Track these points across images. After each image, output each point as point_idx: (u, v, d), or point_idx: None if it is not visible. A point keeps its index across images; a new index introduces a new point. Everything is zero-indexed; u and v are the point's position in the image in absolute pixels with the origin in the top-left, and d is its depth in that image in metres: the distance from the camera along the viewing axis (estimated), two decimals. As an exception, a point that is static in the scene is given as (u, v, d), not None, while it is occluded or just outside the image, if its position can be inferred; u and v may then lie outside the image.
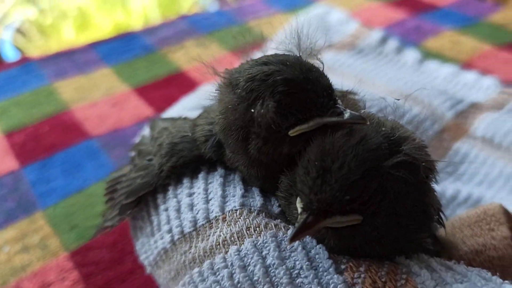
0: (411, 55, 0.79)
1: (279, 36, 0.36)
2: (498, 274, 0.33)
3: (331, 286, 0.27)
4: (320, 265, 0.28)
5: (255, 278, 0.28)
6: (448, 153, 0.62)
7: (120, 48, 0.92)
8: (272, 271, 0.28)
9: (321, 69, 0.32)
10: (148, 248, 0.35)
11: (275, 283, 0.28)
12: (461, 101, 0.67)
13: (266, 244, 0.29)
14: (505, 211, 0.37)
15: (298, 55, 0.33)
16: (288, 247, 0.29)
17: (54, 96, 0.79)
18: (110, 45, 0.93)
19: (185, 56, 0.89)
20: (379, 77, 0.71)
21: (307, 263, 0.28)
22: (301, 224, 0.27)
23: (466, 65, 0.81)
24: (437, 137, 0.64)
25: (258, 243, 0.29)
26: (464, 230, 0.37)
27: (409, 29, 0.97)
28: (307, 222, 0.27)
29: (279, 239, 0.29)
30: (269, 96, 0.30)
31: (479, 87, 0.72)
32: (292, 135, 0.30)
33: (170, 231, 0.33)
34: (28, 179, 0.63)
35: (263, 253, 0.29)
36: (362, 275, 0.28)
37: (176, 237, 0.33)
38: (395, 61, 0.79)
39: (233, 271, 0.29)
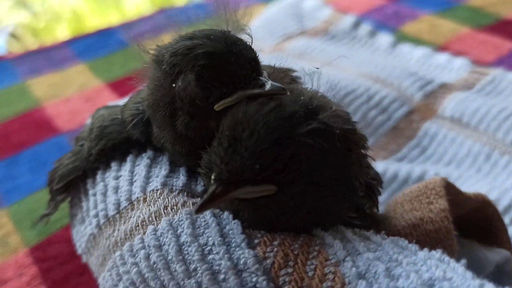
0: (385, 39, 0.78)
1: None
2: (436, 248, 0.33)
3: (242, 261, 0.27)
4: (232, 241, 0.28)
5: (169, 257, 0.28)
6: (417, 134, 0.61)
7: (96, 44, 0.91)
8: (185, 249, 0.28)
9: (248, 43, 0.31)
10: (80, 235, 0.35)
11: (188, 261, 0.27)
12: (431, 82, 0.66)
13: (181, 222, 0.28)
14: (447, 184, 0.36)
15: (225, 29, 0.32)
16: (203, 224, 0.28)
17: (26, 94, 0.78)
18: (86, 41, 0.93)
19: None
20: (350, 61, 0.70)
21: (219, 239, 0.27)
22: (208, 195, 0.26)
23: (442, 48, 0.80)
24: (406, 118, 0.63)
25: (174, 222, 0.29)
26: (405, 205, 0.36)
27: (388, 14, 0.95)
28: (215, 193, 0.26)
29: (195, 217, 0.29)
30: (190, 70, 0.29)
31: (451, 68, 0.71)
32: (217, 109, 0.30)
33: (96, 215, 0.33)
34: (-1, 175, 0.63)
35: (178, 231, 0.28)
36: (275, 249, 0.27)
37: (101, 222, 0.32)
38: (368, 45, 0.78)
39: (150, 252, 0.28)
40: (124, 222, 0.31)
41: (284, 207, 0.28)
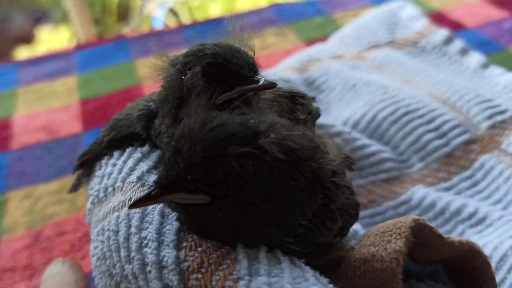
0: (476, 58, 0.74)
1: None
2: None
3: (165, 258, 0.30)
4: (165, 240, 0.31)
5: (119, 242, 0.32)
6: (472, 166, 0.58)
7: (203, 32, 0.98)
8: (131, 238, 0.32)
9: (251, 54, 0.37)
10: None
11: (130, 249, 0.32)
12: (504, 112, 0.61)
13: (135, 215, 0.33)
14: (419, 226, 0.35)
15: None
16: (149, 219, 0.32)
17: (132, 72, 0.88)
18: (196, 28, 1.00)
19: (260, 44, 0.93)
20: (426, 79, 0.68)
21: (155, 235, 0.31)
22: (144, 195, 0.30)
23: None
24: (465, 146, 0.60)
25: (130, 213, 0.33)
26: (370, 238, 0.36)
27: (504, 29, 0.89)
28: (151, 194, 0.30)
29: (146, 212, 0.33)
30: (197, 65, 0.36)
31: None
32: (218, 103, 0.35)
33: (92, 194, 0.39)
34: (85, 142, 0.73)
35: (131, 222, 0.33)
36: (196, 255, 0.30)
37: (95, 200, 0.38)
38: (457, 63, 0.74)
39: (110, 235, 0.33)
40: (106, 205, 0.36)
41: (214, 217, 0.31)
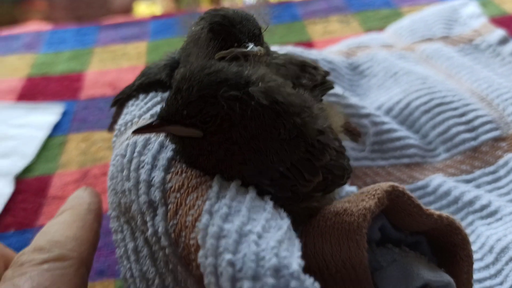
0: (529, 60, 0.72)
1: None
2: (343, 239, 0.36)
3: (154, 178, 0.36)
4: (158, 164, 0.37)
5: (124, 164, 0.38)
6: (497, 162, 0.59)
7: (274, 12, 1.03)
8: (132, 160, 0.38)
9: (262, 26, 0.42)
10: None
11: (130, 170, 0.37)
12: (539, 114, 0.61)
13: (139, 142, 0.38)
14: (396, 192, 0.38)
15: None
16: (150, 147, 0.38)
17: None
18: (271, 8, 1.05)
19: (322, 30, 0.96)
20: (470, 76, 0.68)
21: (151, 160, 0.37)
22: (147, 124, 0.35)
23: None
24: (492, 143, 0.60)
25: (136, 140, 0.39)
26: (349, 197, 0.39)
27: None
28: (152, 123, 0.35)
29: (148, 142, 0.38)
30: (208, 21, 0.41)
31: None
32: (216, 58, 0.40)
33: (116, 129, 0.45)
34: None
35: (135, 148, 0.38)
36: (179, 178, 0.35)
37: (117, 134, 0.44)
38: (510, 65, 0.73)
39: (118, 158, 0.39)
40: (123, 136, 0.42)
41: (203, 150, 0.36)
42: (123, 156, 0.39)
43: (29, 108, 0.81)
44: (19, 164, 0.70)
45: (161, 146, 0.38)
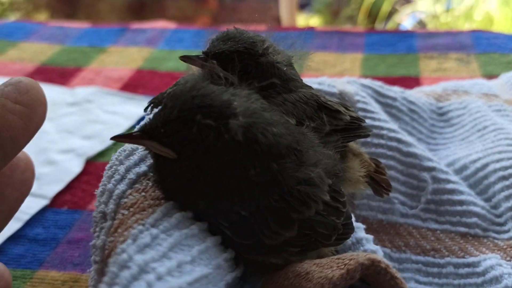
0: None
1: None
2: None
3: (116, 191, 0.36)
4: (128, 177, 0.37)
5: (107, 169, 0.40)
6: None
7: (387, 41, 0.97)
8: (112, 167, 0.39)
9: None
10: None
11: (106, 175, 0.39)
12: None
13: (124, 152, 0.39)
14: (373, 266, 0.33)
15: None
16: (131, 158, 0.38)
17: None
18: (381, 36, 1.00)
19: (435, 66, 0.88)
20: None
21: (124, 171, 0.37)
22: (127, 134, 0.36)
23: None
24: None
25: (127, 148, 0.40)
26: (322, 260, 0.35)
27: None
28: (132, 134, 0.35)
29: (133, 152, 0.39)
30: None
31: None
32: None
33: None
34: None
35: (119, 157, 0.39)
36: (137, 196, 0.35)
37: None
38: None
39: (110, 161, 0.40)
40: None
41: (172, 172, 0.35)
42: (111, 160, 0.39)
43: (126, 97, 0.86)
44: (96, 147, 0.75)
45: (141, 160, 0.38)
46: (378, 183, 0.45)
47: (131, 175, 0.37)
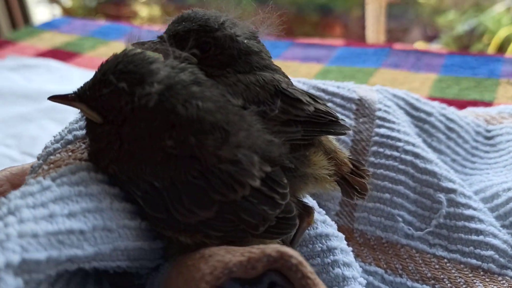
0: None
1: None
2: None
3: (50, 147, 0.38)
4: (66, 137, 0.39)
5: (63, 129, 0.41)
6: None
7: (468, 64, 0.89)
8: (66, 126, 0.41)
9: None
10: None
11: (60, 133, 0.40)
12: None
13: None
14: (282, 260, 0.30)
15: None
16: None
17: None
18: (463, 59, 0.92)
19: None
20: None
21: (66, 132, 0.39)
22: (63, 95, 0.35)
23: None
24: None
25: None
26: (235, 246, 0.33)
27: None
28: (67, 96, 0.35)
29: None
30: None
31: None
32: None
33: None
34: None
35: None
36: (63, 155, 0.36)
37: None
38: None
39: None
40: None
41: (96, 136, 0.35)
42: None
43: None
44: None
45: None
46: (351, 184, 0.41)
47: (69, 136, 0.38)
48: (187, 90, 0.34)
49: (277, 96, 0.38)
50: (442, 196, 0.49)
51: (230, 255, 0.30)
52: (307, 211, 0.40)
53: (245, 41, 0.40)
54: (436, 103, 0.59)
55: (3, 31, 1.39)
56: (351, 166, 0.42)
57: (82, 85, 0.35)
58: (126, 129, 0.33)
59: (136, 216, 0.34)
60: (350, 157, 0.42)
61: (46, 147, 0.38)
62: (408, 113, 0.57)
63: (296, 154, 0.38)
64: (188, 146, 0.33)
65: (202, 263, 0.31)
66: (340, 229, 0.47)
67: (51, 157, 0.36)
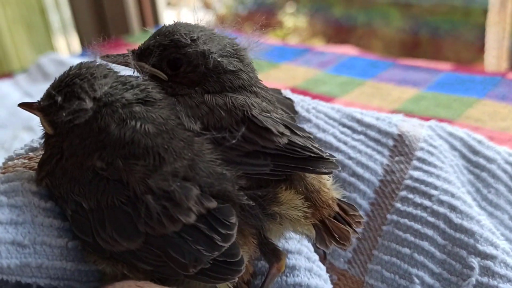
0: None
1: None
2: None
3: (18, 150, 0.39)
4: (38, 141, 0.40)
5: None
6: None
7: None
8: None
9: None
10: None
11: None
12: None
13: None
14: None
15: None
16: None
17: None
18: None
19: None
20: None
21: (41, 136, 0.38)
22: (29, 102, 0.35)
23: None
24: None
25: None
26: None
27: None
28: (32, 104, 0.35)
29: None
30: None
31: None
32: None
33: None
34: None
35: None
36: (23, 161, 0.37)
37: None
38: None
39: None
40: None
41: (45, 146, 0.35)
42: None
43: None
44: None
45: None
46: (330, 231, 0.35)
47: (35, 144, 0.38)
48: (128, 109, 0.32)
49: (243, 123, 0.35)
50: (475, 261, 0.41)
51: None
52: (277, 256, 0.36)
53: (219, 58, 0.37)
54: (503, 149, 0.50)
55: (134, 31, 1.49)
56: (336, 209, 0.36)
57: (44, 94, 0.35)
58: (65, 143, 0.33)
59: (65, 234, 0.33)
60: (340, 198, 0.37)
61: (14, 151, 0.39)
62: (463, 156, 0.49)
63: (262, 190, 0.35)
64: (116, 169, 0.31)
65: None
66: (349, 280, 0.41)
67: (9, 162, 0.37)
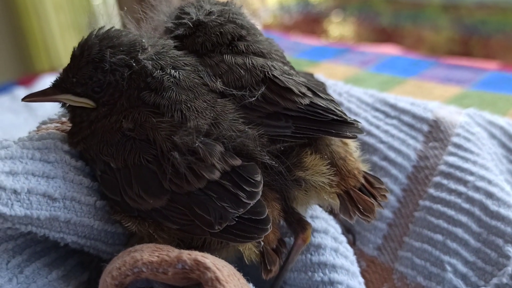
0: None
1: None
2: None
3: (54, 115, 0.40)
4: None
5: None
6: None
7: None
8: None
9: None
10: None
11: None
12: None
13: None
14: (197, 269, 0.27)
15: None
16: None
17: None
18: None
19: None
20: None
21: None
22: (39, 91, 0.35)
23: None
24: None
25: None
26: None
27: None
28: (45, 91, 0.35)
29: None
30: None
31: None
32: None
33: None
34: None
35: None
36: (56, 125, 0.38)
37: None
38: None
39: None
40: None
41: (92, 121, 0.34)
42: None
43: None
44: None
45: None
46: (354, 201, 0.34)
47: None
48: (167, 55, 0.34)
49: (264, 82, 0.34)
50: (508, 249, 0.39)
51: (147, 254, 0.28)
52: (302, 226, 0.35)
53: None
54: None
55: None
56: (362, 181, 0.35)
57: (57, 77, 0.35)
58: (121, 103, 0.33)
59: (94, 193, 0.33)
60: (365, 170, 0.36)
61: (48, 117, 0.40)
62: (503, 145, 0.47)
63: (286, 153, 0.34)
64: (143, 128, 0.32)
65: (120, 257, 0.29)
66: (378, 267, 0.40)
67: (43, 125, 0.38)
